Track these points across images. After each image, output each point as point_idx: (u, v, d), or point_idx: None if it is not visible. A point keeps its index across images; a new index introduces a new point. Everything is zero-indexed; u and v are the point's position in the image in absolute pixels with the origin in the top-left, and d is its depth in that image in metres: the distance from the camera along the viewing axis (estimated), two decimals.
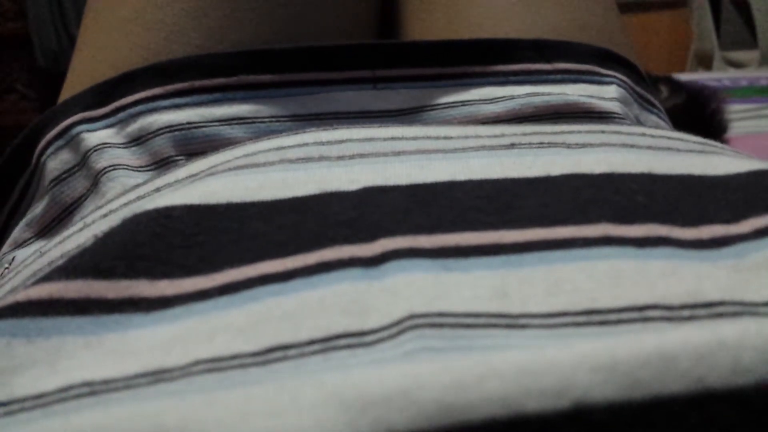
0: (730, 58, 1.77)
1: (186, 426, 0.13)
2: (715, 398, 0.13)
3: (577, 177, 0.23)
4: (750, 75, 1.30)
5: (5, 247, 0.35)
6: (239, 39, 0.37)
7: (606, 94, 0.36)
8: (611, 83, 0.36)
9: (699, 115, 0.49)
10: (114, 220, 0.23)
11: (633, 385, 0.13)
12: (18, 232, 0.35)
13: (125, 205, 0.25)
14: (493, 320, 0.17)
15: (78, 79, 0.37)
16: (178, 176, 0.25)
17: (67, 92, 0.37)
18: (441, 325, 0.17)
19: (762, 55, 1.71)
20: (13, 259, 0.34)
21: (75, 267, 0.20)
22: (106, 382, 0.17)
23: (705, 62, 1.79)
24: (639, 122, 0.37)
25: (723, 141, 0.50)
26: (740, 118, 0.97)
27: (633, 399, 0.13)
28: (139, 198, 0.25)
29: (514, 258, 0.19)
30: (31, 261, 0.26)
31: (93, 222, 0.25)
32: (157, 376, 0.17)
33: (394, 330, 0.17)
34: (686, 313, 0.17)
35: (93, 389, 0.17)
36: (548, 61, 0.36)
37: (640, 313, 0.17)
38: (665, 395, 0.13)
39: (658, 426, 0.13)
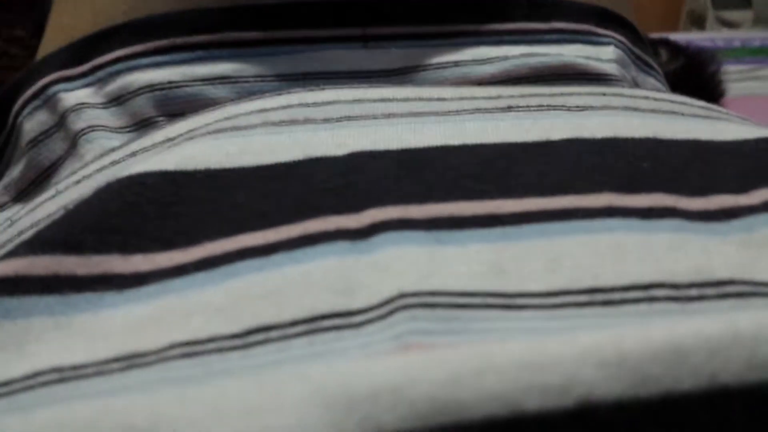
0: (723, 17, 1.75)
1: (156, 426, 0.12)
2: (728, 395, 0.13)
3: (579, 142, 0.22)
4: (743, 36, 1.29)
5: None
6: None
7: (603, 55, 0.34)
8: (609, 44, 0.35)
9: (697, 79, 0.48)
10: (85, 188, 0.22)
11: (642, 381, 0.13)
12: None
13: (98, 171, 0.24)
14: (490, 300, 0.16)
15: (55, 35, 0.36)
16: (155, 139, 0.24)
17: (44, 50, 0.36)
18: (434, 306, 0.16)
19: (755, 15, 1.70)
20: None
21: (43, 241, 0.19)
22: (75, 367, 0.16)
23: (698, 22, 1.78)
24: (636, 84, 0.36)
25: (720, 104, 0.49)
26: (733, 79, 0.96)
27: (642, 396, 0.12)
28: (113, 163, 0.24)
29: (511, 230, 0.18)
30: (0, 230, 0.25)
31: (66, 188, 0.24)
32: (131, 361, 0.16)
33: (384, 310, 0.16)
34: (694, 292, 0.16)
35: (62, 375, 0.16)
36: (545, 20, 0.35)
37: (646, 292, 0.16)
38: (676, 392, 0.13)
39: (669, 425, 0.12)
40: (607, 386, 0.12)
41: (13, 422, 0.13)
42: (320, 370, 0.13)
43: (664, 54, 0.46)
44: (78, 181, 0.24)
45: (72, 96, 0.33)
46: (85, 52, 0.33)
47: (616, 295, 0.16)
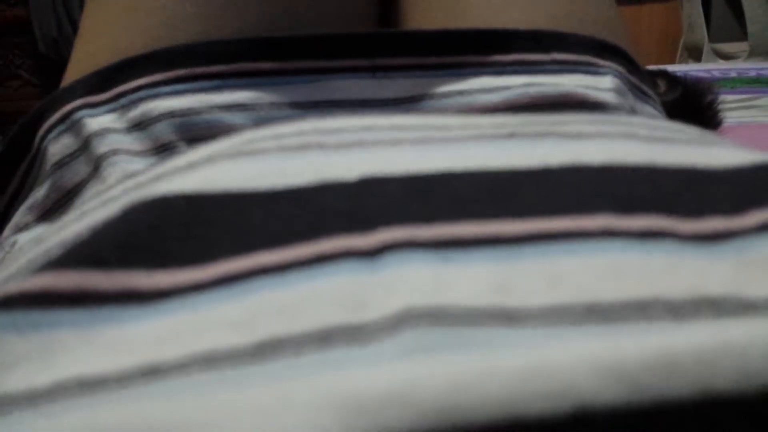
0: (719, 49, 1.78)
1: (173, 425, 0.13)
2: (721, 404, 0.13)
3: (578, 167, 0.23)
4: (739, 66, 1.30)
5: (6, 231, 0.36)
6: (240, 26, 0.37)
7: (601, 84, 0.36)
8: (607, 74, 0.37)
9: (695, 108, 0.50)
10: (112, 209, 0.22)
11: (637, 388, 0.13)
12: (19, 216, 0.35)
13: (124, 193, 0.25)
14: (493, 315, 0.17)
15: (80, 64, 0.37)
16: (178, 164, 0.25)
17: (69, 78, 0.37)
18: (440, 321, 0.16)
19: (751, 47, 1.72)
20: (14, 243, 0.34)
21: (70, 257, 0.19)
22: (98, 377, 0.16)
23: (695, 54, 1.80)
24: (634, 112, 0.38)
25: (717, 132, 0.50)
26: (729, 108, 0.98)
27: (637, 403, 0.13)
28: (138, 186, 0.25)
29: (513, 250, 0.19)
30: (28, 249, 0.26)
31: (92, 210, 0.25)
32: (151, 372, 0.16)
33: (392, 324, 0.17)
34: (689, 309, 0.17)
35: (85, 385, 0.16)
36: (545, 52, 0.36)
37: (642, 310, 0.17)
38: (670, 400, 0.13)
39: (663, 431, 0.13)
40: (604, 393, 0.13)
41: (41, 424, 0.14)
42: (331, 376, 0.14)
43: (662, 85, 0.47)
44: (104, 203, 0.25)
45: (96, 121, 0.34)
46: (109, 80, 0.35)
47: (614, 313, 0.17)
